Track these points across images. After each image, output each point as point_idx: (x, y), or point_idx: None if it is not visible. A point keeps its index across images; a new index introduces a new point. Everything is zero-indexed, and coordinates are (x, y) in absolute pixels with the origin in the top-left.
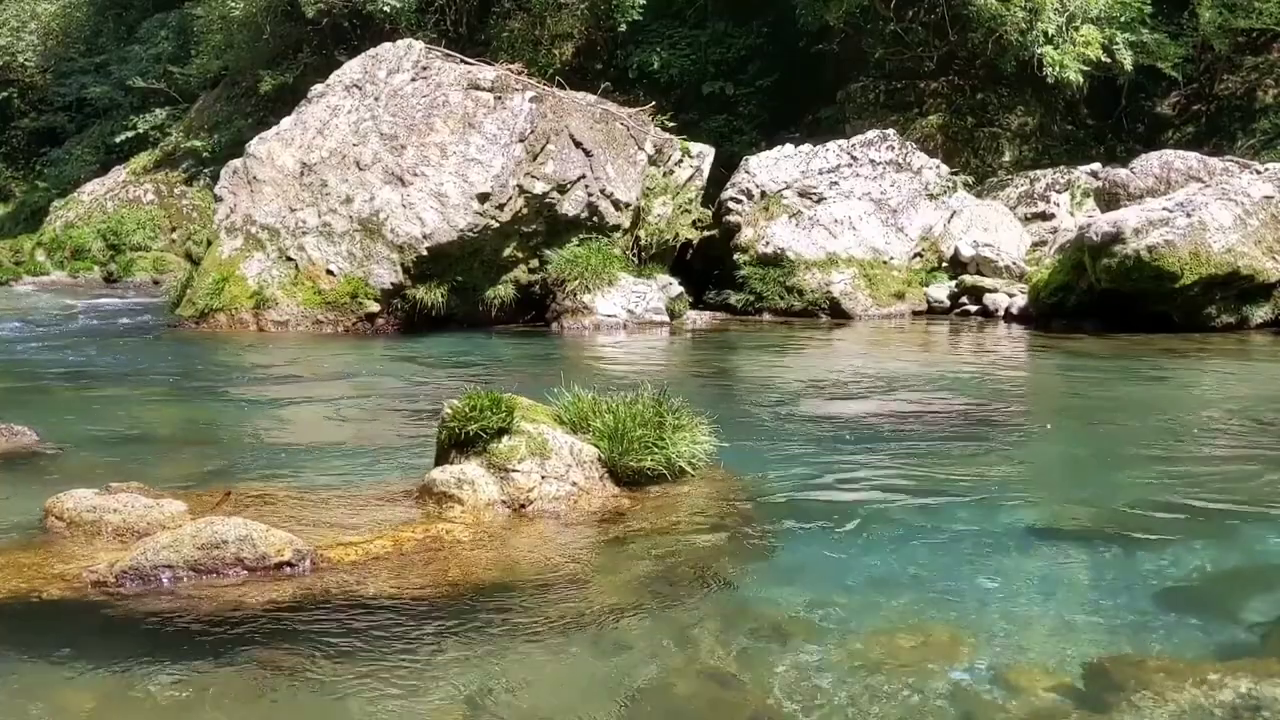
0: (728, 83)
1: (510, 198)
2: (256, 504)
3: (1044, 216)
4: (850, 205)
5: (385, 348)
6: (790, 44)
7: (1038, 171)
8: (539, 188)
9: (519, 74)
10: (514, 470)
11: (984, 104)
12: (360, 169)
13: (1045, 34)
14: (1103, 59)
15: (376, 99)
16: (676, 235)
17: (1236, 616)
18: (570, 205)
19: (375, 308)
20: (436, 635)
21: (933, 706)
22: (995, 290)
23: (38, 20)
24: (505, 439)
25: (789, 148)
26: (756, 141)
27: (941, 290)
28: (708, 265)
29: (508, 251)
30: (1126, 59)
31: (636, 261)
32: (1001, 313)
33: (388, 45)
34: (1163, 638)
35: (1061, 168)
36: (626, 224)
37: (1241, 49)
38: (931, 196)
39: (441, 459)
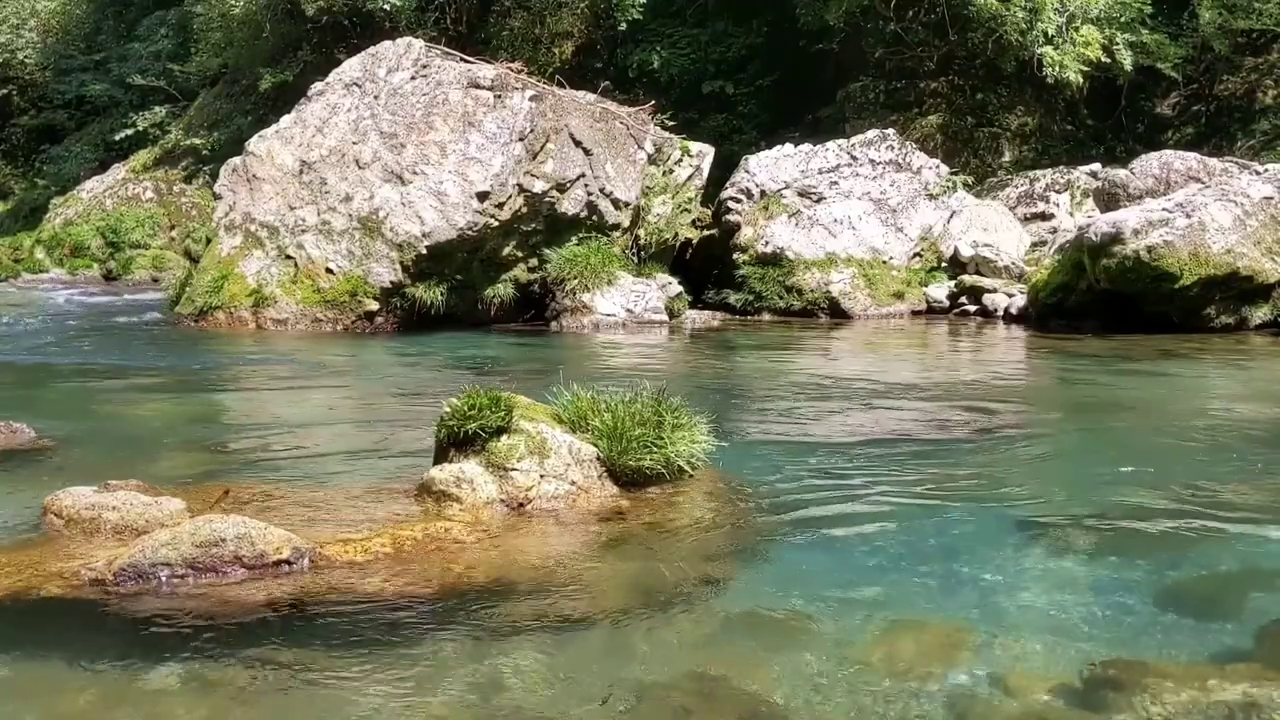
0: (727, 82)
1: (510, 196)
2: (255, 502)
3: (1043, 216)
4: (850, 205)
5: (384, 346)
6: (790, 44)
7: (1037, 171)
8: (538, 186)
9: (519, 73)
10: (513, 469)
11: (984, 104)
12: (360, 167)
13: (1045, 34)
14: (1103, 59)
15: (376, 97)
16: (676, 234)
17: (1235, 619)
18: (570, 204)
19: (374, 306)
20: (435, 634)
21: (931, 707)
22: (994, 290)
23: (37, 17)
24: (504, 438)
25: (789, 147)
26: (756, 141)
27: (941, 290)
28: (707, 265)
29: (507, 250)
30: (1126, 59)
31: (636, 261)
32: (1001, 313)
33: (387, 43)
34: (1161, 640)
35: (1061, 168)
36: (626, 223)
37: (1241, 50)
38: (931, 196)
39: (440, 457)
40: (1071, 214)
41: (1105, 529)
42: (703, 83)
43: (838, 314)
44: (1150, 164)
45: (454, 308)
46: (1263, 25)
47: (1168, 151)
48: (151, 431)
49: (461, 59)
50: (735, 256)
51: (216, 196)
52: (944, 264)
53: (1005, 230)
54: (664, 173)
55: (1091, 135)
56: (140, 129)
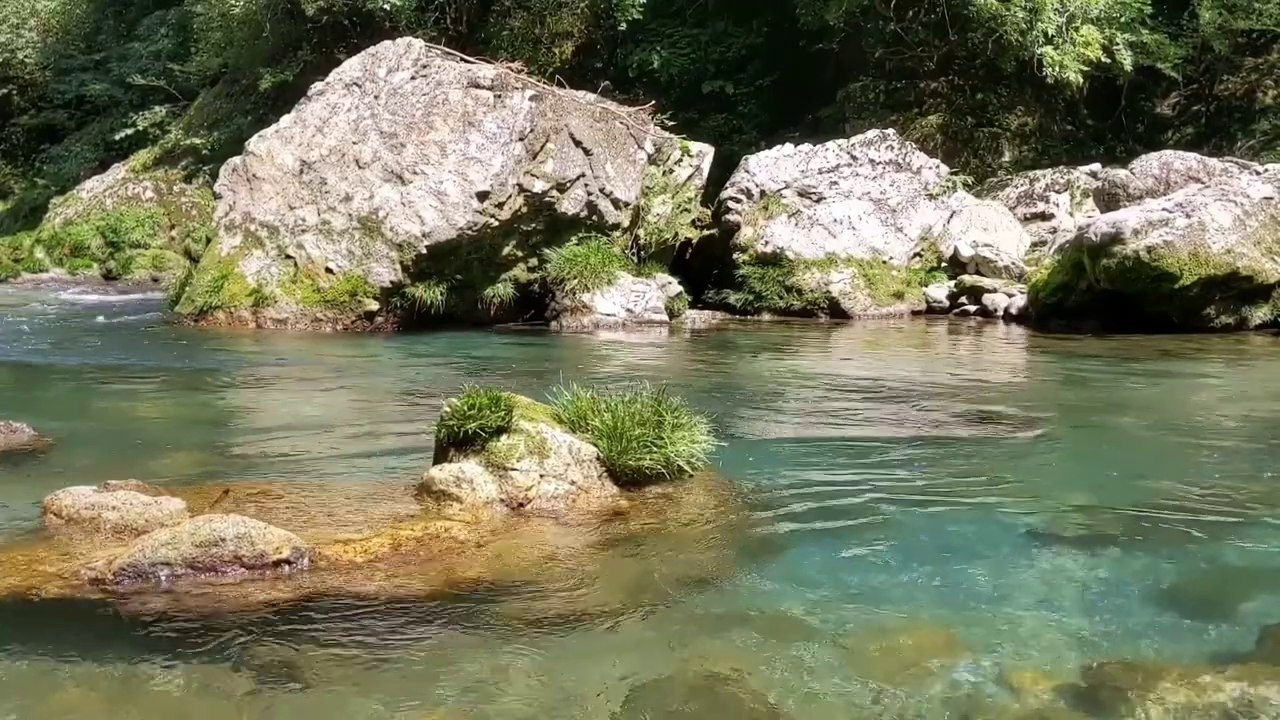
0: (727, 82)
1: (510, 196)
2: (255, 501)
3: (1043, 216)
4: (850, 205)
5: (384, 346)
6: (790, 44)
7: (1037, 171)
8: (538, 186)
9: (519, 72)
10: (512, 469)
11: (984, 104)
12: (360, 167)
13: (1045, 34)
14: (1103, 59)
15: (376, 97)
16: (676, 234)
17: (1235, 619)
18: (570, 204)
19: (374, 306)
20: (434, 634)
21: (931, 707)
22: (994, 290)
23: (37, 17)
24: (504, 437)
25: (789, 147)
26: (756, 141)
27: (940, 290)
28: (707, 265)
29: (507, 250)
30: (1126, 59)
31: (636, 260)
32: (1000, 313)
33: (387, 43)
34: (1160, 640)
35: (1061, 168)
36: (626, 223)
37: (1241, 50)
38: (931, 196)
39: (440, 457)
40: (1071, 214)
41: (1105, 529)
42: (703, 83)
43: (838, 314)
44: (1150, 164)
45: (454, 308)
46: (1263, 25)
47: (1168, 151)
48: (151, 431)
49: (461, 59)
50: (735, 256)
51: (216, 196)
52: (944, 264)
53: (1005, 230)
54: (664, 173)
55: (1091, 135)
56: (140, 129)
